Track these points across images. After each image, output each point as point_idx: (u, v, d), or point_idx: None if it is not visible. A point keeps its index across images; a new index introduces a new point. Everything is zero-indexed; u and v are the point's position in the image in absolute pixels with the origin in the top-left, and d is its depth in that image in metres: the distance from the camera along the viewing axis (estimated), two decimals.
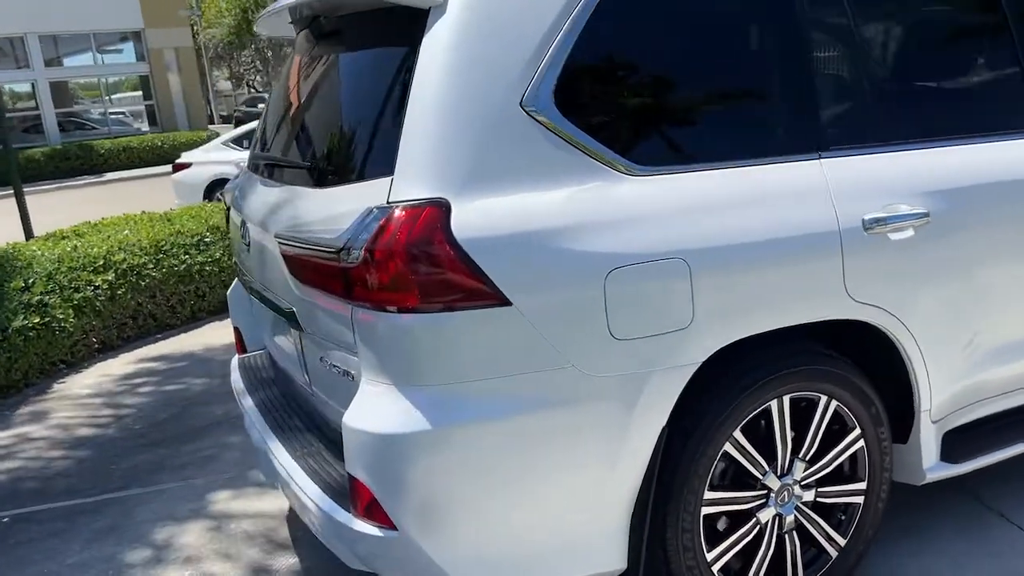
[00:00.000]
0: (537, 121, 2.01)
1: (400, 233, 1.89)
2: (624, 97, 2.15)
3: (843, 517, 2.48)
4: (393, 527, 1.99)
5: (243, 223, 2.65)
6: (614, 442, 2.06)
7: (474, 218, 1.93)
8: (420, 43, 2.02)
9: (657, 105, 2.17)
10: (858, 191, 2.28)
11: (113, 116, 27.11)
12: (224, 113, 45.31)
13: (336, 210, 2.08)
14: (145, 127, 27.06)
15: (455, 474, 1.96)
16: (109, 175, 21.01)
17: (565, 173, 2.03)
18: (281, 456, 2.42)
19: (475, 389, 1.95)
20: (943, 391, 2.50)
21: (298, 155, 2.49)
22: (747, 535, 2.33)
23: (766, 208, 2.17)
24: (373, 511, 2.01)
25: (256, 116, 18.26)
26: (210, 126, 30.45)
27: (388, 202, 1.95)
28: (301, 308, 2.25)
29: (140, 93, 27.62)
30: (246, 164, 3.03)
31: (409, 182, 1.95)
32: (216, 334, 6.10)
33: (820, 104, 2.30)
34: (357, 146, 2.17)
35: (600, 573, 2.16)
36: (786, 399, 2.28)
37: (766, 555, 2.36)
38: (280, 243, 2.26)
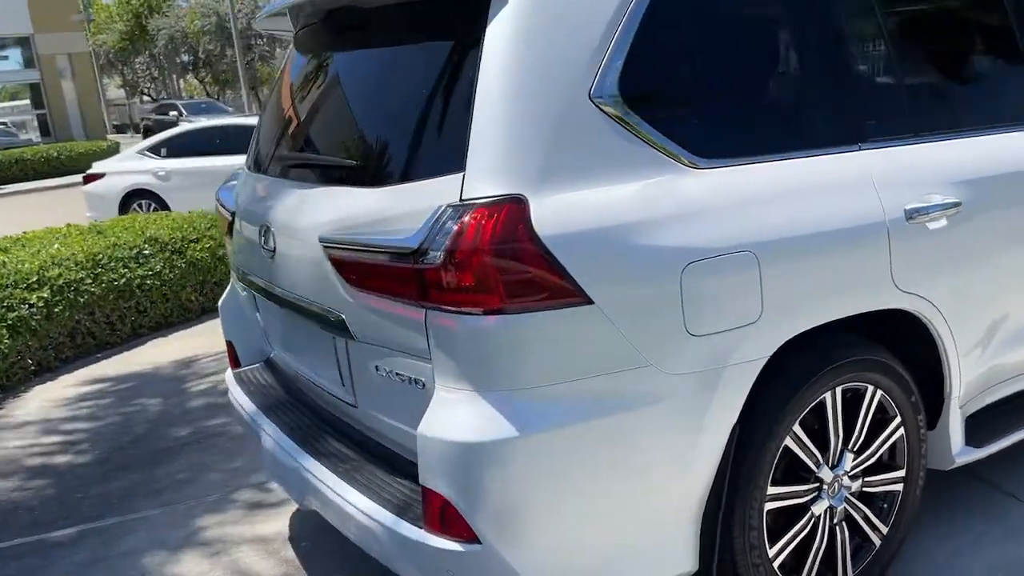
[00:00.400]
0: (605, 113, 1.96)
1: (483, 232, 1.81)
2: (685, 89, 2.13)
3: (885, 505, 2.51)
4: (475, 540, 1.89)
5: (265, 229, 2.48)
6: (689, 440, 2.03)
7: (552, 214, 1.86)
8: (483, 35, 1.94)
9: (716, 97, 2.16)
10: (898, 181, 2.32)
11: None
12: (117, 122, 43.36)
13: (397, 210, 1.97)
14: (36, 137, 25.62)
15: (539, 481, 1.88)
16: (2, 188, 19.81)
17: (634, 166, 1.98)
18: (320, 473, 2.28)
19: (556, 392, 1.88)
20: (969, 375, 2.57)
21: (339, 154, 2.35)
22: (803, 529, 2.33)
23: (821, 200, 2.18)
24: (450, 525, 1.91)
25: (169, 124, 17.53)
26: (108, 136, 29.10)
27: (462, 200, 1.86)
28: (354, 315, 2.12)
29: (28, 101, 26.16)
30: (247, 167, 2.86)
31: (483, 179, 1.87)
32: (161, 351, 5.79)
33: (863, 96, 2.34)
34: (415, 143, 2.06)
35: (673, 575, 2.12)
36: (839, 390, 2.29)
37: (820, 547, 2.37)
38: (327, 247, 2.13)
